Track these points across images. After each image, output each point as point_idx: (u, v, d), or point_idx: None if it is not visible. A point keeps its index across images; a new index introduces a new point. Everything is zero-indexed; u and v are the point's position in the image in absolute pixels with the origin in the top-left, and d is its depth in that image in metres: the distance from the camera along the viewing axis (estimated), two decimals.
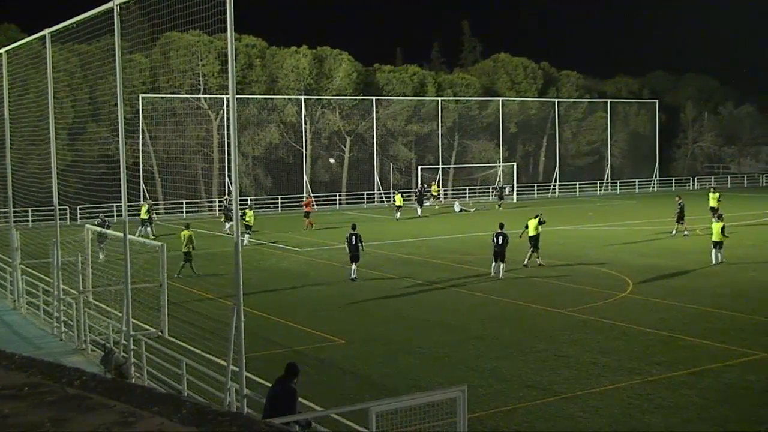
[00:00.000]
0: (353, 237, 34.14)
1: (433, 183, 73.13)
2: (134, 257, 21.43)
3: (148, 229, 48.50)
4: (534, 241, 37.03)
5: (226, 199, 55.05)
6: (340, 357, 22.00)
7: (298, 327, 25.51)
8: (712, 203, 49.24)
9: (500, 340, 23.65)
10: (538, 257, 37.00)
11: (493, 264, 34.46)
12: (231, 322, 15.22)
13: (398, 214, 60.19)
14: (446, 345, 23.08)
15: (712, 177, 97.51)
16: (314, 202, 51.33)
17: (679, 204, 47.19)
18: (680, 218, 46.77)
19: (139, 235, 39.65)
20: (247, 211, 46.59)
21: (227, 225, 50.16)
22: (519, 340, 23.56)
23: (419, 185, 66.07)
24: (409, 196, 72.04)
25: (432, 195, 68.87)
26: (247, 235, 45.12)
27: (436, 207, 68.19)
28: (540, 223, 37.73)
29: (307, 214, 54.90)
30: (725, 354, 21.59)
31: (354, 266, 34.06)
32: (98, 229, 27.88)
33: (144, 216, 48.95)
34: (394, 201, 62.22)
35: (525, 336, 24.00)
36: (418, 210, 61.84)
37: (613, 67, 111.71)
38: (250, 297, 27.42)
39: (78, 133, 58.01)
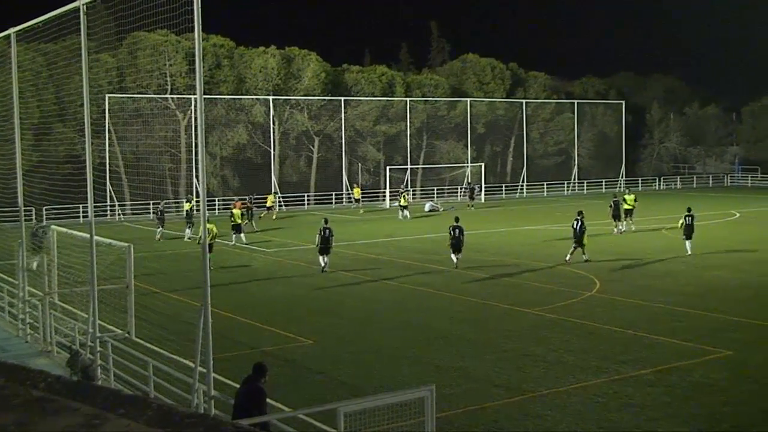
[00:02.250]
0: (326, 230, 35.82)
1: (355, 186, 71.39)
2: (100, 258, 21.29)
3: (187, 230, 48.18)
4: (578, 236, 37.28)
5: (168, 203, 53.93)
6: (308, 357, 21.96)
7: (266, 328, 25.44)
8: (628, 205, 48.64)
9: (468, 339, 23.71)
10: (584, 253, 37.33)
11: (453, 255, 36.39)
12: (198, 324, 15.15)
13: (404, 213, 59.60)
14: (414, 345, 23.11)
15: (658, 177, 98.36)
16: (248, 204, 50.72)
17: (614, 201, 48.78)
18: (616, 216, 48.10)
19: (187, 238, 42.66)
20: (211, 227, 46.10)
21: (188, 231, 49.44)
22: (487, 339, 23.63)
23: (402, 188, 65.73)
24: (404, 196, 71.95)
25: (268, 207, 65.71)
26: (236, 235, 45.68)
27: (361, 211, 66.28)
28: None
29: (358, 201, 62.74)
30: (691, 352, 21.78)
31: (324, 257, 35.82)
32: (47, 231, 27.49)
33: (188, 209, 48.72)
34: (399, 201, 61.90)
35: (493, 335, 24.08)
36: (402, 213, 60.98)
37: (580, 68, 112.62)
38: (218, 298, 27.31)
39: (44, 133, 57.48)
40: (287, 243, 46.53)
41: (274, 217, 61.51)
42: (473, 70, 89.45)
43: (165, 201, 57.44)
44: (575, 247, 37.29)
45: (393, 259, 39.89)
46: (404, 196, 61.86)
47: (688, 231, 39.51)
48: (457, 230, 36.57)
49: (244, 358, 20.86)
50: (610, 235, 47.46)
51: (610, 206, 48.94)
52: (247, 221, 49.13)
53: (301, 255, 41.37)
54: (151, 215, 63.56)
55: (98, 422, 2.70)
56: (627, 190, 51.08)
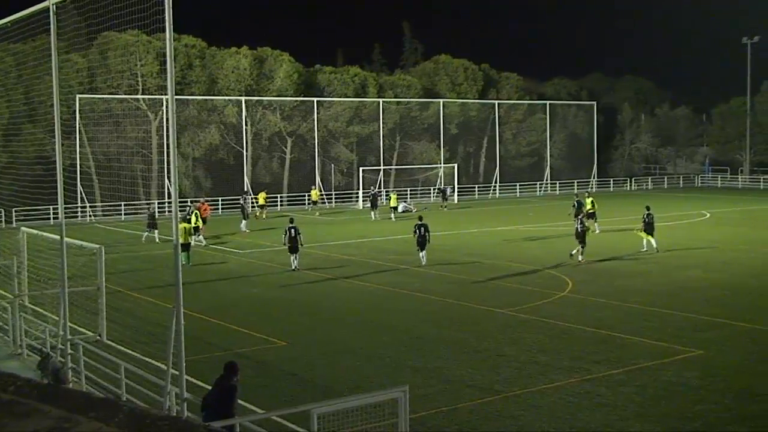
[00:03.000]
0: (292, 230, 36.53)
1: (312, 188, 70.73)
2: (71, 260, 21.14)
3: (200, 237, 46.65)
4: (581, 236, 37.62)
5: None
6: (281, 359, 21.91)
7: (238, 329, 25.35)
8: (589, 207, 48.77)
9: (441, 340, 23.74)
10: (581, 253, 37.58)
11: (420, 253, 37.38)
12: (170, 325, 15.08)
13: (392, 215, 59.41)
14: (388, 345, 23.11)
15: (628, 178, 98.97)
16: (209, 207, 50.34)
17: (577, 201, 49.69)
18: (578, 216, 48.08)
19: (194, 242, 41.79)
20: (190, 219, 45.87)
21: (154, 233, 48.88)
22: (460, 339, 23.68)
23: (372, 189, 65.39)
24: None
25: (261, 205, 65.57)
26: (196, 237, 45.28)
27: (317, 214, 66.17)
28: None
29: (315, 203, 63.16)
30: (662, 352, 21.92)
31: (294, 256, 36.44)
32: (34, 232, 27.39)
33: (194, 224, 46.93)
34: (389, 202, 61.76)
35: (466, 336, 24.12)
36: (373, 214, 60.64)
37: (552, 69, 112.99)
38: (191, 299, 27.18)
39: (13, 134, 57.07)
40: (260, 244, 46.40)
41: (264, 216, 61.37)
42: (446, 70, 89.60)
43: (156, 203, 56.66)
44: (580, 245, 37.57)
45: (367, 260, 39.88)
46: (394, 197, 61.86)
47: (649, 229, 40.85)
48: (422, 228, 37.49)
49: (217, 360, 20.78)
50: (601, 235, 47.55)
51: (573, 206, 49.54)
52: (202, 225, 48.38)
53: (274, 256, 41.26)
54: (130, 217, 63.19)
55: (69, 425, 2.68)
56: (585, 193, 51.30)
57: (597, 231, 47.79)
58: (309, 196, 68.82)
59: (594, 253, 40.92)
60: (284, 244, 37.23)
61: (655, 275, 34.43)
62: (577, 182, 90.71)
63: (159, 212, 64.89)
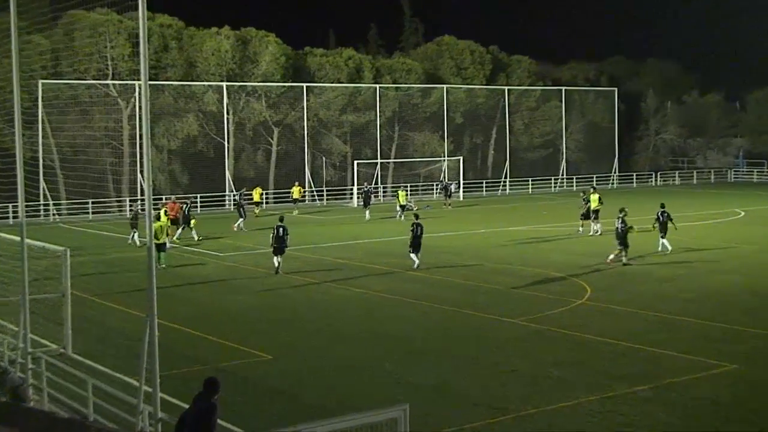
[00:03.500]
0: (280, 229, 36.90)
1: (296, 183, 70.26)
2: (33, 264, 21.08)
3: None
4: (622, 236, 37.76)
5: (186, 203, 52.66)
6: (267, 374, 21.86)
7: (219, 341, 25.30)
8: (594, 205, 48.61)
9: (445, 353, 23.69)
10: (624, 255, 37.77)
11: (412, 255, 37.67)
12: (143, 337, 15.01)
13: (400, 214, 58.92)
14: (385, 359, 23.06)
15: (672, 172, 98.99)
16: (182, 206, 49.82)
17: (584, 199, 49.54)
18: (587, 215, 49.00)
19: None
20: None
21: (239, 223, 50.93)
22: (466, 352, 23.63)
23: (366, 185, 64.91)
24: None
25: (256, 202, 65.40)
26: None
27: (294, 213, 65.41)
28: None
29: (296, 201, 64.56)
30: (692, 366, 21.87)
31: (278, 258, 36.81)
32: None
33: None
34: (398, 199, 61.40)
35: (472, 348, 24.08)
36: (365, 213, 60.38)
37: (569, 51, 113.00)
38: (166, 308, 27.10)
39: None
40: (242, 246, 46.33)
41: (257, 213, 61.34)
42: (450, 53, 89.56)
43: (141, 202, 56.01)
44: (620, 249, 37.55)
45: (362, 263, 39.83)
46: (402, 193, 61.34)
47: (663, 228, 41.23)
48: (419, 228, 37.73)
49: (195, 375, 20.71)
50: (589, 236, 47.61)
51: (583, 202, 49.65)
52: (182, 227, 48.37)
53: (258, 260, 41.19)
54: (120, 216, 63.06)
55: None
56: (591, 189, 50.91)
57: (599, 233, 47.58)
58: (291, 193, 67.81)
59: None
60: (271, 245, 37.43)
61: (683, 280, 34.39)
62: (596, 177, 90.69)
63: (131, 210, 64.85)
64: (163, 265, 37.44)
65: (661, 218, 41.39)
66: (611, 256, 37.96)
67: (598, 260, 39.36)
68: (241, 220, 53.51)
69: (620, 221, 38.34)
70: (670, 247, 40.87)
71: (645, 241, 45.33)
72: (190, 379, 20.06)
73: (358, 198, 69.04)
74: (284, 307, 30.70)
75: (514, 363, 22.45)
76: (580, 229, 49.05)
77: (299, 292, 33.28)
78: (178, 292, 33.38)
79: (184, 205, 49.31)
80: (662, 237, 41.29)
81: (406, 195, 62.97)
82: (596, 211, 48.57)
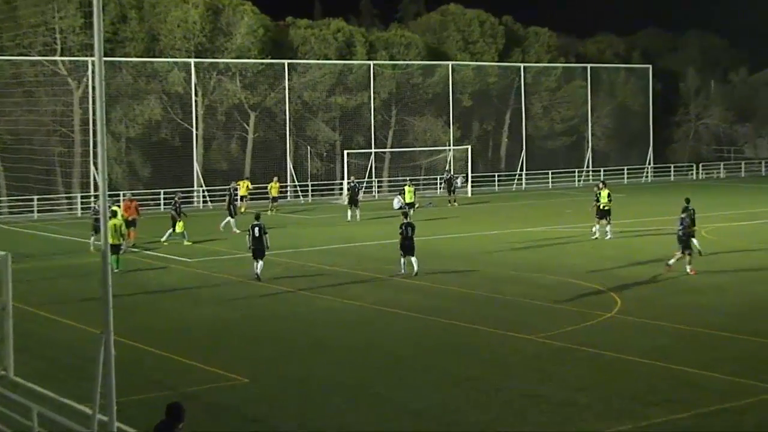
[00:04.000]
0: (256, 228, 37.03)
1: (244, 180, 69.86)
2: None
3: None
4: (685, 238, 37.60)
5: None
6: (241, 400, 21.84)
7: (186, 361, 25.28)
8: (604, 201, 48.13)
9: (450, 374, 23.67)
10: (690, 261, 37.53)
11: (402, 259, 38.04)
12: (98, 357, 14.99)
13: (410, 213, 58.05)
14: (380, 382, 23.05)
15: (697, 164, 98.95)
16: (138, 205, 49.27)
17: (597, 195, 48.97)
18: (603, 214, 48.39)
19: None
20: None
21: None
22: (474, 374, 23.62)
23: (350, 180, 64.28)
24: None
25: (242, 196, 65.26)
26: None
27: (271, 212, 65.23)
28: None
29: (274, 199, 65.40)
30: (739, 390, 21.87)
31: (258, 263, 37.05)
32: None
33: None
34: (403, 196, 61.10)
35: (482, 370, 24.07)
36: (351, 213, 59.89)
37: (596, 22, 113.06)
38: (125, 323, 27.10)
39: None
40: (215, 251, 46.31)
41: (243, 209, 61.33)
42: (456, 25, 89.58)
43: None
44: (683, 252, 37.45)
45: (351, 270, 39.82)
46: (410, 189, 61.18)
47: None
48: (409, 228, 38.12)
49: (158, 401, 20.68)
50: (606, 239, 47.55)
51: (596, 198, 49.16)
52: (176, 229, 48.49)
53: (232, 266, 41.16)
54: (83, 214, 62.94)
55: None
56: (600, 184, 50.25)
57: (609, 236, 47.35)
58: (269, 189, 67.33)
59: (651, 263, 40.87)
60: (249, 247, 37.62)
61: (729, 290, 34.40)
62: (627, 169, 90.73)
63: (83, 208, 64.81)
64: (117, 270, 37.38)
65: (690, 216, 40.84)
66: (687, 267, 37.55)
67: (630, 267, 39.40)
68: (229, 219, 53.12)
69: (685, 219, 37.90)
70: (699, 248, 40.24)
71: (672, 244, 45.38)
72: (152, 406, 20.03)
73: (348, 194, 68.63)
74: (262, 321, 30.68)
75: (531, 387, 22.43)
76: (595, 229, 48.84)
77: (280, 304, 33.25)
78: (138, 303, 33.32)
79: (174, 200, 49.31)
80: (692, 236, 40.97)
81: (414, 192, 62.17)
82: (607, 211, 48.18)
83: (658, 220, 54.79)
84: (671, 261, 37.63)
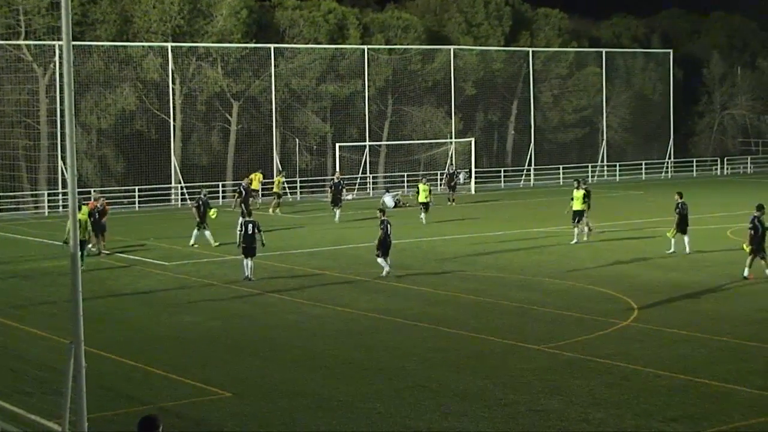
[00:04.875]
0: (249, 224, 38.46)
1: (256, 173, 69.91)
2: None
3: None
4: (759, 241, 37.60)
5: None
6: (225, 416, 21.88)
7: (164, 374, 25.30)
8: (577, 206, 47.76)
9: (452, 388, 23.72)
10: None
11: (380, 260, 38.92)
12: (67, 369, 15.03)
13: (423, 215, 57.49)
14: (376, 397, 23.09)
15: (718, 160, 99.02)
16: (105, 203, 48.55)
17: (585, 189, 48.88)
18: (576, 216, 48.45)
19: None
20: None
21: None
22: (479, 388, 23.67)
23: (336, 177, 63.22)
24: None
25: (254, 190, 65.45)
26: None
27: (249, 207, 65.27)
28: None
29: (257, 191, 64.95)
30: (767, 404, 21.96)
31: (249, 261, 38.17)
32: None
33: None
34: (417, 195, 59.59)
35: (488, 382, 24.12)
36: (336, 214, 59.43)
37: (611, 3, 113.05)
38: (96, 332, 27.13)
39: None
40: (194, 253, 46.33)
41: (274, 210, 61.61)
42: (458, 5, 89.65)
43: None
44: (755, 256, 37.56)
45: (344, 274, 39.87)
46: (424, 187, 58.89)
47: (683, 223, 43.00)
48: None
49: (133, 417, 20.73)
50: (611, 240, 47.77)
51: (584, 195, 48.88)
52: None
53: (214, 270, 41.21)
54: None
55: None
56: (576, 183, 50.00)
57: (585, 238, 47.15)
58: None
59: (668, 265, 40.98)
60: (239, 245, 38.45)
61: (756, 296, 34.47)
62: (645, 164, 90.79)
63: (51, 206, 64.86)
64: (83, 267, 37.50)
65: (681, 211, 43.11)
66: (746, 270, 37.51)
67: (649, 271, 39.49)
68: (242, 219, 52.64)
69: (756, 220, 37.75)
70: (689, 248, 42.82)
71: (709, 246, 45.43)
72: (126, 422, 20.10)
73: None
74: (247, 330, 30.69)
75: (540, 402, 22.48)
76: (575, 232, 48.95)
77: (266, 312, 33.28)
78: (111, 311, 33.35)
79: (200, 196, 49.34)
80: (684, 233, 43.15)
81: (430, 190, 60.45)
82: (580, 213, 47.69)
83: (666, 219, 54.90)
84: (746, 270, 37.70)
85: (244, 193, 55.07)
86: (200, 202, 49.15)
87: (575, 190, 48.10)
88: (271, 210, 62.79)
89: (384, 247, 38.92)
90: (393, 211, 64.00)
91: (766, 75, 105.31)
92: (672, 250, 43.53)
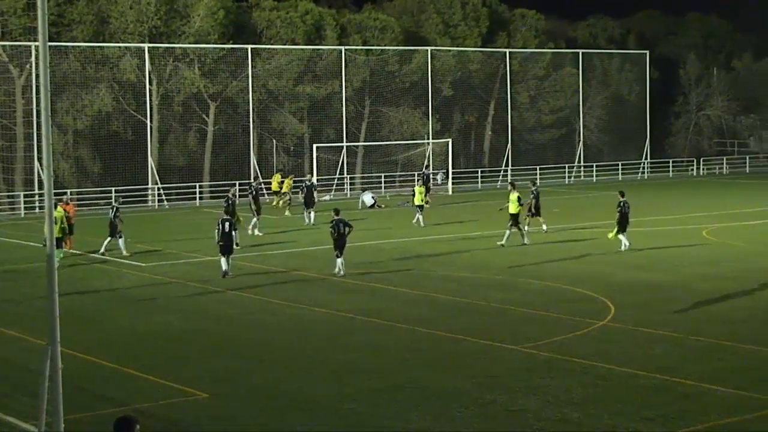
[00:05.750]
0: (227, 223, 38.85)
1: (276, 173, 70.05)
2: None
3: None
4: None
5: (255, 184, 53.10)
6: (201, 417, 21.85)
7: (140, 375, 25.25)
8: (512, 209, 47.51)
9: (430, 389, 23.73)
10: None
11: (338, 259, 39.28)
12: (43, 370, 14.98)
13: (420, 216, 55.86)
14: (354, 398, 23.08)
15: (690, 161, 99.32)
16: (75, 206, 47.74)
17: (534, 192, 51.03)
18: (537, 211, 50.57)
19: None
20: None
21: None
22: (457, 388, 23.68)
23: (308, 179, 62.17)
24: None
25: (275, 191, 66.11)
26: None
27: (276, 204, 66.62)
28: None
29: (278, 193, 66.03)
30: (742, 404, 22.00)
31: (226, 258, 38.75)
32: None
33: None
34: (412, 198, 58.48)
35: (465, 383, 24.13)
36: (309, 216, 57.92)
37: (588, 4, 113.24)
38: (72, 333, 27.06)
39: None
40: (171, 254, 46.24)
41: (283, 203, 61.89)
42: (435, 6, 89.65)
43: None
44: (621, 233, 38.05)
45: (321, 275, 39.85)
46: (420, 189, 57.56)
47: (624, 221, 44.02)
48: (341, 224, 39.30)
49: (110, 418, 20.65)
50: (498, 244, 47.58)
51: (532, 194, 50.84)
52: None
53: (191, 271, 41.15)
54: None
55: None
56: (510, 186, 49.98)
57: (502, 242, 46.75)
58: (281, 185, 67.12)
59: (645, 265, 41.10)
60: (216, 242, 38.86)
61: (732, 296, 34.50)
62: (622, 165, 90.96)
63: (27, 207, 64.73)
64: (60, 261, 37.62)
65: (623, 210, 44.13)
66: None
67: (625, 271, 39.59)
68: (255, 219, 53.04)
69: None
70: (627, 244, 44.27)
71: (684, 247, 45.52)
72: (103, 423, 20.04)
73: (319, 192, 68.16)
74: (224, 331, 30.64)
75: (517, 402, 22.50)
76: (541, 228, 50.90)
77: (243, 313, 33.24)
78: (87, 312, 33.28)
79: (253, 184, 49.91)
80: (622, 232, 44.13)
81: (425, 193, 59.56)
82: (515, 216, 47.38)
83: (658, 219, 55.05)
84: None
85: (254, 192, 54.89)
86: (255, 191, 53.27)
87: (510, 194, 48.33)
88: (287, 212, 62.90)
89: (339, 246, 39.25)
90: (370, 212, 64.05)
91: (742, 76, 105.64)
92: (624, 248, 44.27)
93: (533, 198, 50.71)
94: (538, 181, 55.00)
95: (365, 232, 51.51)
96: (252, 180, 61.12)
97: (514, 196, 47.93)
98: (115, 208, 46.01)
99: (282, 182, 66.96)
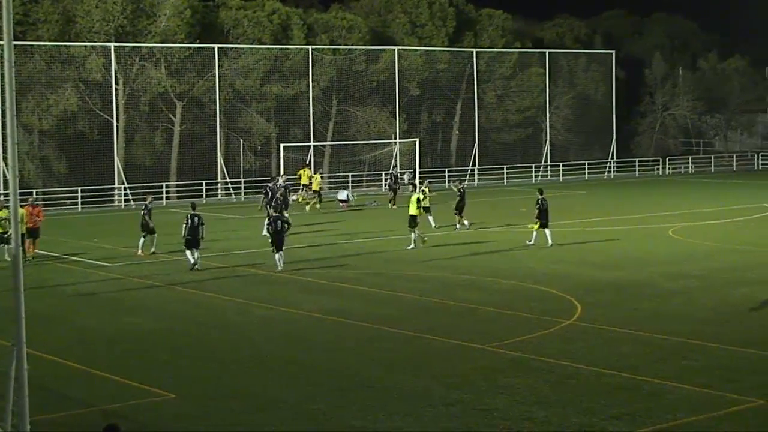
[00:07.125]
0: (195, 218, 40.27)
1: (304, 168, 70.82)
2: None
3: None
4: None
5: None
6: (167, 417, 21.78)
7: (107, 376, 25.15)
8: (412, 210, 46.87)
9: (396, 388, 23.73)
10: None
11: (276, 254, 40.37)
12: (9, 372, 14.91)
13: (429, 218, 53.77)
14: (322, 397, 23.06)
15: (660, 159, 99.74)
16: (41, 209, 46.95)
17: (460, 190, 52.84)
18: (460, 210, 52.36)
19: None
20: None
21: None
22: (423, 388, 23.69)
23: (277, 179, 61.00)
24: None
25: (303, 185, 67.35)
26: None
27: (299, 199, 66.57)
28: None
29: (306, 187, 66.36)
30: (709, 401, 22.10)
31: (194, 252, 40.17)
32: None
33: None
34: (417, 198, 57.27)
35: (432, 382, 24.14)
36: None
37: (554, 4, 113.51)
38: (38, 334, 26.93)
39: None
40: (137, 254, 46.07)
41: (311, 206, 62.20)
42: (402, 6, 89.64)
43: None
44: (542, 228, 38.30)
45: (289, 275, 39.79)
46: (424, 190, 53.84)
47: (544, 217, 45.38)
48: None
49: (77, 420, 20.63)
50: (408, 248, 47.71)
51: (459, 192, 52.81)
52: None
53: (157, 271, 41.00)
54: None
55: None
56: (413, 186, 49.97)
57: (411, 245, 46.45)
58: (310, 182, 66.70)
59: (612, 263, 41.23)
60: (183, 236, 39.99)
61: (697, 295, 34.71)
62: (588, 164, 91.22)
63: None
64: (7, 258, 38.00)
65: (541, 206, 45.56)
66: None
67: (591, 270, 39.70)
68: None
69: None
70: (551, 240, 45.34)
71: (651, 246, 45.68)
72: (70, 424, 19.96)
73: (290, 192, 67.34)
74: (190, 331, 30.57)
75: (484, 401, 22.52)
76: (458, 225, 52.41)
77: (209, 313, 33.16)
78: (53, 312, 33.10)
79: (281, 188, 50.65)
80: (544, 227, 45.37)
81: (425, 193, 58.44)
82: (413, 218, 46.84)
83: (624, 218, 55.25)
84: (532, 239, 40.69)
85: (270, 194, 54.53)
86: (286, 189, 55.39)
87: (412, 194, 48.64)
88: (308, 207, 63.01)
89: (277, 243, 40.36)
90: (338, 209, 64.02)
91: (707, 76, 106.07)
92: (532, 242, 45.75)
93: (459, 197, 52.43)
94: (466, 181, 55.58)
95: (327, 230, 51.47)
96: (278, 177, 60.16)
97: (414, 197, 47.98)
98: (147, 207, 45.40)
99: (311, 177, 66.82)
